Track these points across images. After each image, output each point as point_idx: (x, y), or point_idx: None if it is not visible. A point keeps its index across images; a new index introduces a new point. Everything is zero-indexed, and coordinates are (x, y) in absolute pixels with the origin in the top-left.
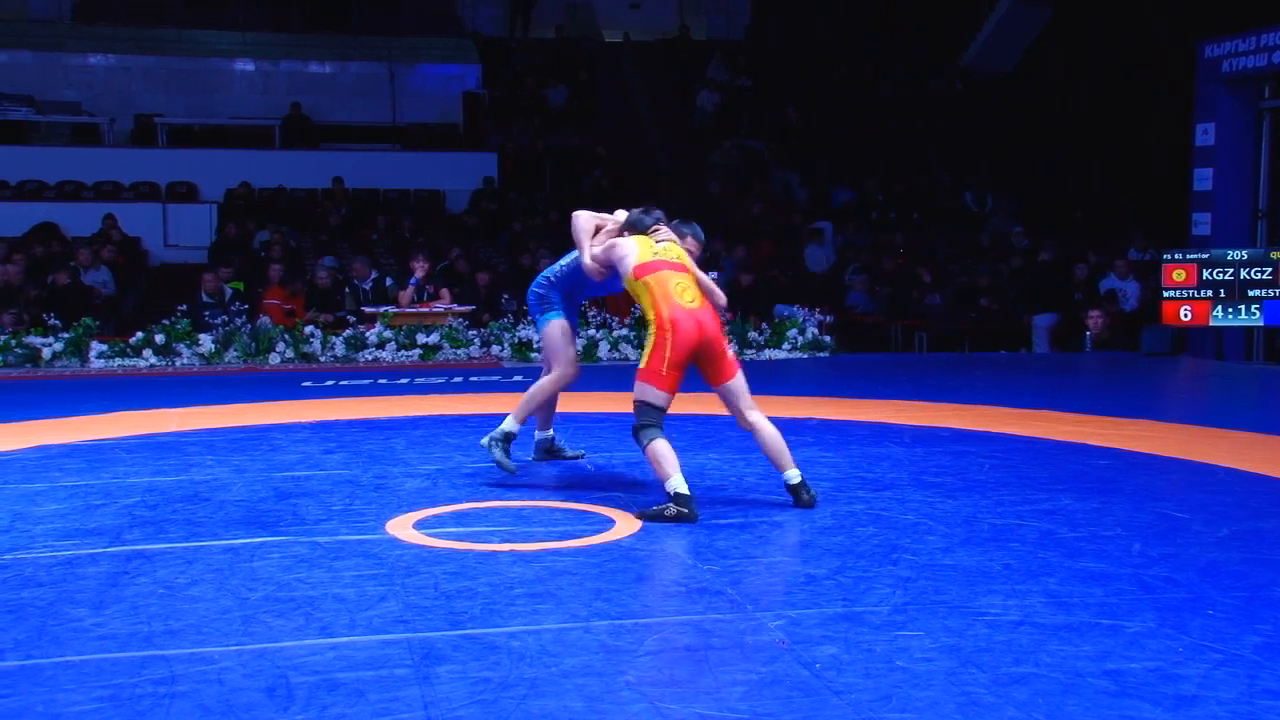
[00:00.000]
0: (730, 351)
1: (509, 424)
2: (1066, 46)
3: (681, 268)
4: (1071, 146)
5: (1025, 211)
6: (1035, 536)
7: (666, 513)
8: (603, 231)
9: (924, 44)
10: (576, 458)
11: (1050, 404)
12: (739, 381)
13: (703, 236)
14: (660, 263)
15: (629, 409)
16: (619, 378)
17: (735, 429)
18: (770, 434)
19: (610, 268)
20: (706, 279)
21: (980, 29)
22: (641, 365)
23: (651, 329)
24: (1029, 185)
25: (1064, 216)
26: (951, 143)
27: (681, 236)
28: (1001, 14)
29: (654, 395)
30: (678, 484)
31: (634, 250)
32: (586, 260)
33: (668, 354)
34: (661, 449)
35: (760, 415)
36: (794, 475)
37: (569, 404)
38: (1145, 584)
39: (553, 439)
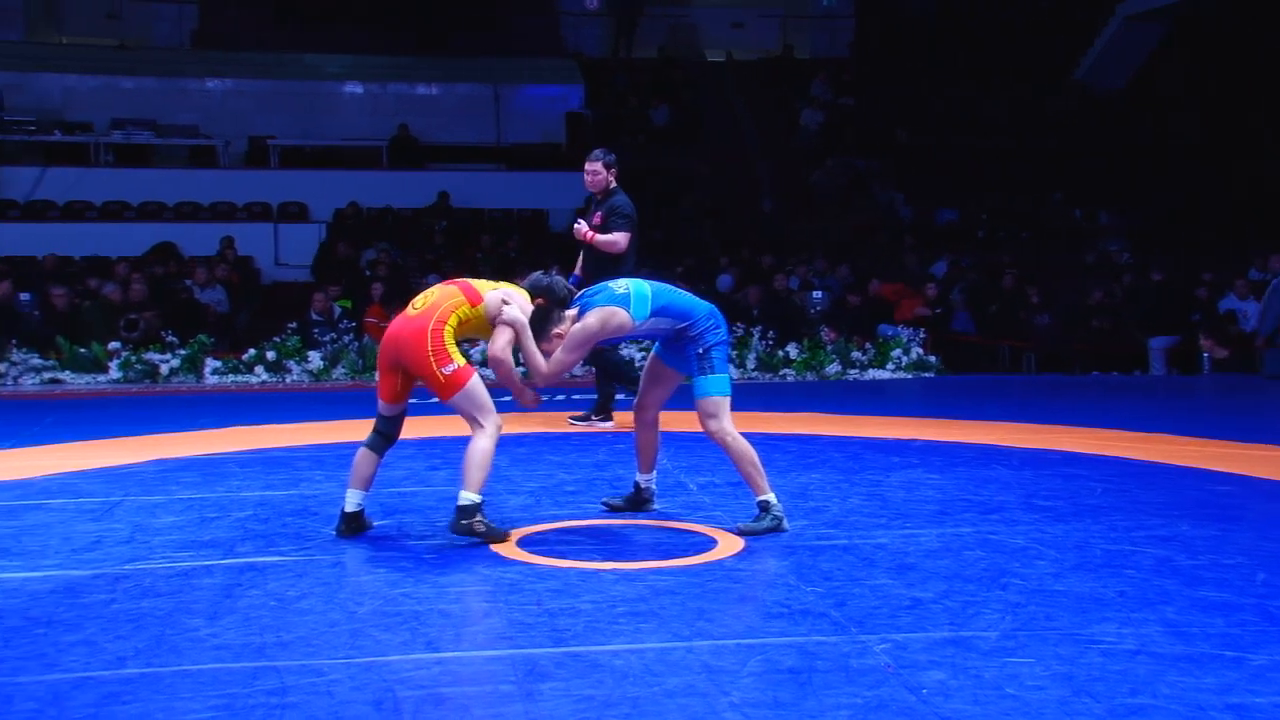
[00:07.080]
0: (447, 373)
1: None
2: (1182, 63)
3: (462, 287)
4: (1187, 164)
5: (1138, 230)
6: (1151, 563)
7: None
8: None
9: (1034, 61)
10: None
11: (1166, 427)
12: (455, 404)
13: (545, 288)
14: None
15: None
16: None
17: (839, 449)
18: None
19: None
20: (530, 346)
21: (1092, 45)
22: None
23: None
24: (1143, 203)
25: (1180, 235)
26: (1063, 160)
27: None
28: (1114, 30)
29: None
30: (349, 500)
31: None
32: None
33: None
34: (356, 459)
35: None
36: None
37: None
38: (1271, 615)
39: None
